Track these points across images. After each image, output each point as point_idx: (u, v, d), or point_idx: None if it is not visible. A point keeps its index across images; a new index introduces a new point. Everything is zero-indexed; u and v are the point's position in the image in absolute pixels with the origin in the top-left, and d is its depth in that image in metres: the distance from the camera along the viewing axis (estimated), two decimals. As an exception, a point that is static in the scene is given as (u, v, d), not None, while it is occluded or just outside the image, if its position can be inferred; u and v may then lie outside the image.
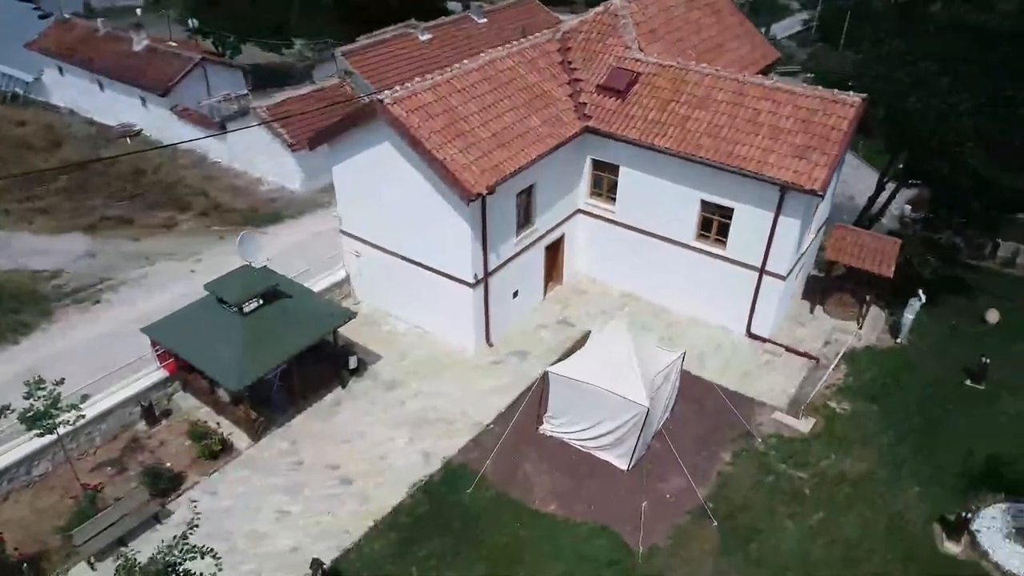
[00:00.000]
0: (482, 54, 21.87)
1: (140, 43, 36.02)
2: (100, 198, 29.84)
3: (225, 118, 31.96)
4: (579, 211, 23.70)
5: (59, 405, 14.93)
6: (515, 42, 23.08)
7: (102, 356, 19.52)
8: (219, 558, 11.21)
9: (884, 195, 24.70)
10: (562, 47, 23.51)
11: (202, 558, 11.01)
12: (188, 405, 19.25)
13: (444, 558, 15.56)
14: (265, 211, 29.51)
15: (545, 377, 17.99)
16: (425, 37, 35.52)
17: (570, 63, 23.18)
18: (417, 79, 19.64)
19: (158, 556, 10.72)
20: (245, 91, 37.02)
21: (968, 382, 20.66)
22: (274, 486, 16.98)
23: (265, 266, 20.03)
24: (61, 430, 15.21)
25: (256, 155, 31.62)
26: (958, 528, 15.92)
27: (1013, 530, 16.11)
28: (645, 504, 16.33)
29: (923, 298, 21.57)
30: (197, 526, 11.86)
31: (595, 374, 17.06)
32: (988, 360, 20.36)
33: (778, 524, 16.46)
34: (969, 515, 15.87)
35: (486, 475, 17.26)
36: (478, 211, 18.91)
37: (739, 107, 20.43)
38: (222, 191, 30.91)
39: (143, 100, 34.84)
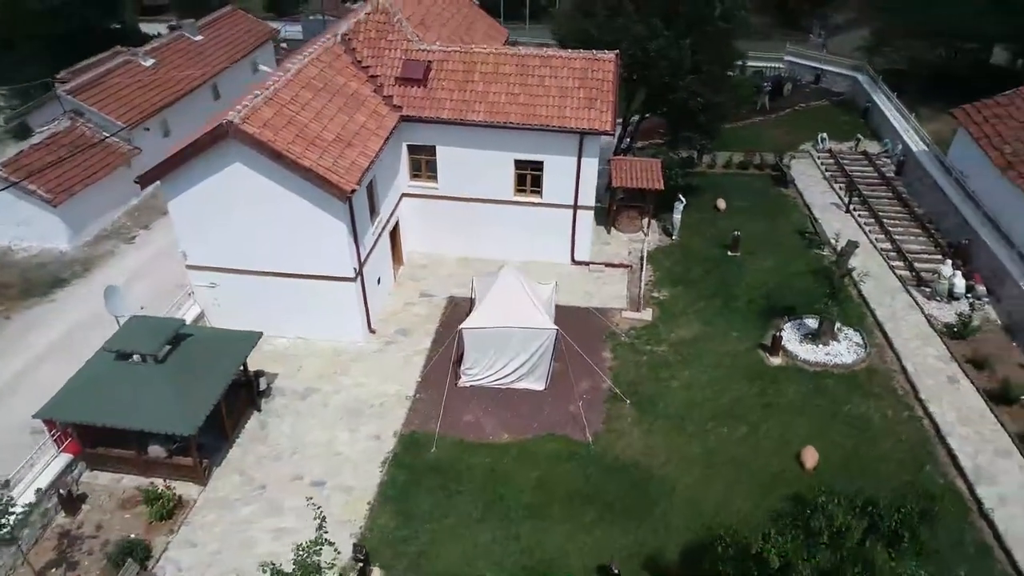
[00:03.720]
0: (288, 64, 22.57)
1: None
2: None
3: (-58, 188, 27.09)
4: (404, 195, 25.76)
5: (12, 508, 13.54)
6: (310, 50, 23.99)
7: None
8: (335, 544, 12.09)
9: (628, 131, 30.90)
10: (347, 48, 25.01)
11: (324, 548, 11.84)
12: (102, 482, 17.78)
13: (443, 507, 17.39)
14: (41, 278, 26.18)
15: (459, 336, 20.25)
16: (149, 62, 33.43)
17: (360, 62, 24.83)
18: (251, 96, 19.91)
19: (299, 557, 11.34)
20: (-70, 157, 31.30)
21: (728, 252, 27.51)
22: (252, 514, 17.02)
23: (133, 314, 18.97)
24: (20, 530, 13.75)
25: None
26: (774, 347, 22.12)
27: (801, 336, 22.83)
28: (581, 403, 19.82)
29: (684, 201, 27.95)
30: (325, 518, 12.40)
31: (502, 318, 19.86)
32: (739, 233, 27.39)
33: (666, 387, 21.15)
34: (780, 335, 22.12)
35: (439, 433, 19.19)
36: (347, 208, 20.19)
37: (526, 76, 24.23)
38: (-30, 270, 26.56)
39: None
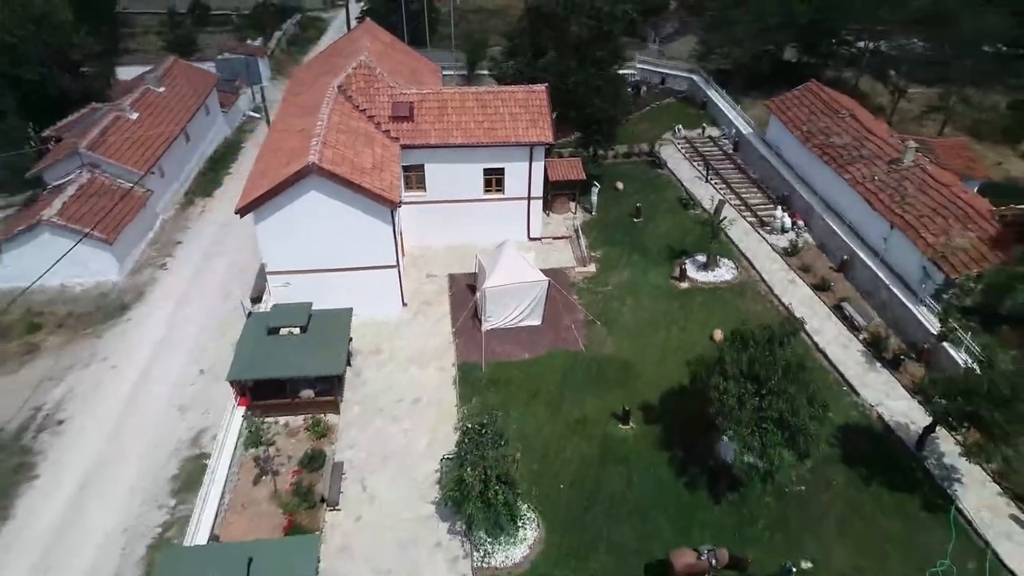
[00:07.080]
0: (321, 111, 30.06)
1: None
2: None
3: (3, 242, 31.89)
4: (401, 203, 33.96)
5: (263, 429, 21.16)
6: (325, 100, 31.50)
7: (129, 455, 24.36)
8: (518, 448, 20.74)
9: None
10: (345, 97, 32.79)
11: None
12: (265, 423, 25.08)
13: (505, 402, 26.27)
14: (112, 305, 31.94)
15: (483, 293, 29.05)
16: (135, 116, 38.86)
17: (357, 106, 32.73)
18: (314, 142, 27.39)
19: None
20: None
21: (634, 220, 38.10)
22: (380, 425, 25.14)
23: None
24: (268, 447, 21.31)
25: (39, 266, 32.56)
26: (681, 276, 32.86)
27: (696, 267, 33.74)
28: (573, 326, 29.42)
29: (598, 186, 38.21)
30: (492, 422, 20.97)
31: (510, 277, 28.92)
32: (640, 205, 38.07)
33: (620, 312, 31.20)
34: (684, 268, 32.85)
35: (483, 361, 28.04)
36: (391, 215, 28.37)
37: (484, 107, 33.28)
38: (43, 305, 31.67)
39: None
